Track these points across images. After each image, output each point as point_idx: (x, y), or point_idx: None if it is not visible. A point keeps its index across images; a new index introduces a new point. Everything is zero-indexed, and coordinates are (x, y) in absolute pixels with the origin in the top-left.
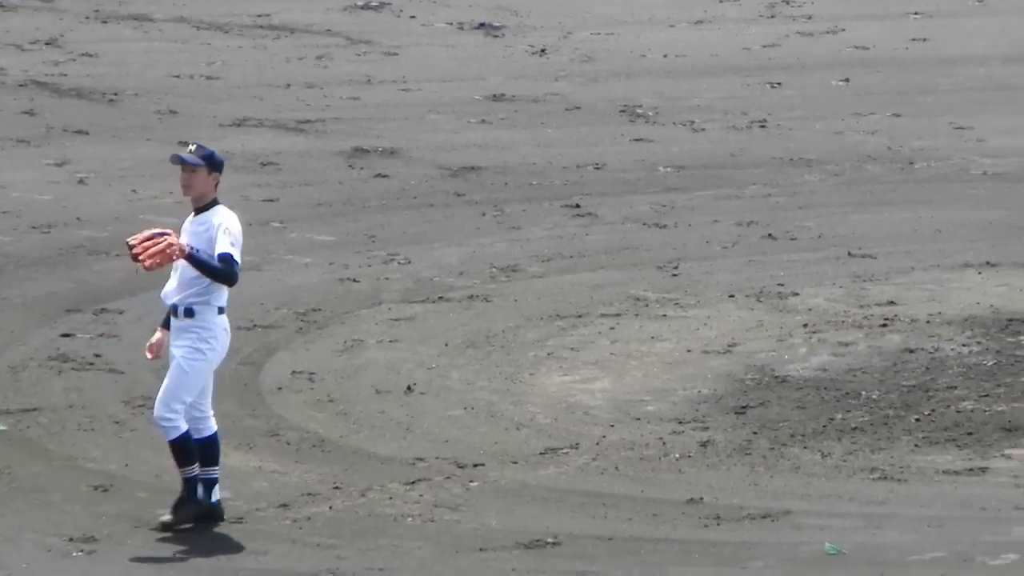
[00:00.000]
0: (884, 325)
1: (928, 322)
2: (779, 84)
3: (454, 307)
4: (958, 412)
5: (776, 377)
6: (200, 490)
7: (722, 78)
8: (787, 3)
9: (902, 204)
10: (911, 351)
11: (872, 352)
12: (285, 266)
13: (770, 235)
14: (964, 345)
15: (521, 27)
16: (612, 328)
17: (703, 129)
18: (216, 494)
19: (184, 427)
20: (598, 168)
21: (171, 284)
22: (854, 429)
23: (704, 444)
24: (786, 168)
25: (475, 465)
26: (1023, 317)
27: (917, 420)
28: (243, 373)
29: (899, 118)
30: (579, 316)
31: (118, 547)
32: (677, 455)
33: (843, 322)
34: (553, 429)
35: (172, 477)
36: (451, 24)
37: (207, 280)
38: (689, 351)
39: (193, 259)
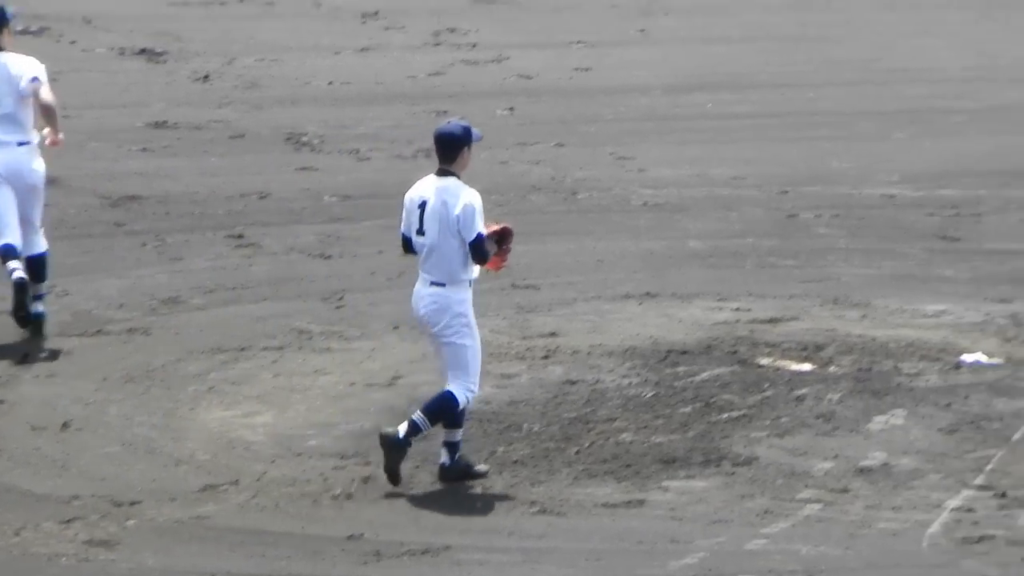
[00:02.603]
0: (546, 357)
1: (589, 353)
2: (445, 112)
3: (113, 340)
4: (617, 444)
5: None
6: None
7: (388, 106)
8: (452, 31)
9: (565, 235)
10: (572, 383)
11: (534, 384)
12: None
13: None
14: (624, 376)
15: (184, 53)
16: (275, 361)
17: (369, 158)
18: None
19: None
20: (262, 197)
21: None
22: (515, 462)
23: (366, 479)
24: None
25: (132, 503)
26: (681, 348)
27: (577, 453)
28: None
29: (563, 148)
30: (241, 349)
31: None
32: (339, 491)
33: (506, 354)
34: (213, 465)
35: None
36: (112, 50)
37: None
38: (353, 384)
39: None
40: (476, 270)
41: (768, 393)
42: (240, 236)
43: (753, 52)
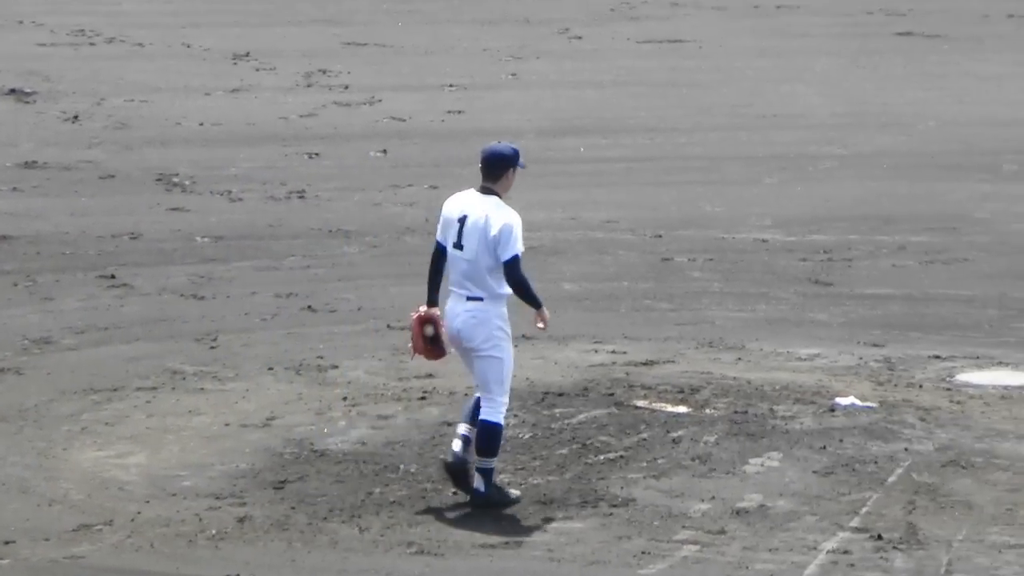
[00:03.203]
0: (423, 398)
1: (466, 395)
2: (317, 154)
3: None
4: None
5: (315, 451)
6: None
7: (260, 147)
8: (324, 73)
9: None
10: (449, 424)
11: (411, 425)
12: None
13: (310, 307)
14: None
15: (53, 93)
16: (148, 402)
17: (241, 199)
18: (475, 482)
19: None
20: (134, 238)
21: None
22: (392, 503)
23: (241, 520)
24: (325, 239)
25: (6, 542)
26: (558, 390)
27: (454, 493)
28: None
29: (436, 190)
30: (114, 389)
31: None
32: (214, 531)
33: (382, 395)
34: (87, 505)
35: None
36: None
37: None
38: (227, 425)
39: None
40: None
41: (644, 435)
42: (112, 276)
43: (625, 97)
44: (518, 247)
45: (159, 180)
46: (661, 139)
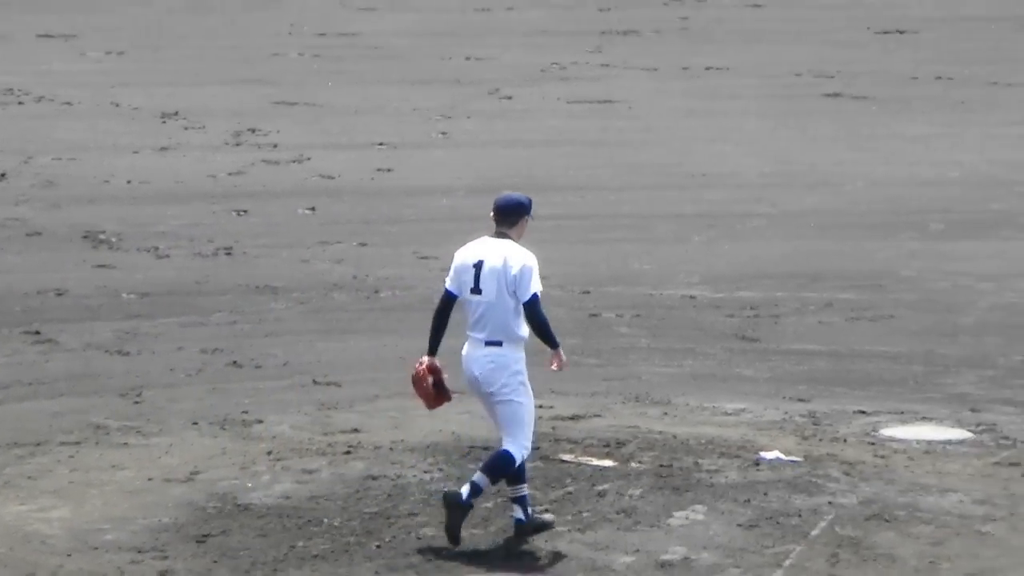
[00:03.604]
0: (348, 452)
1: (391, 449)
2: (245, 212)
3: None
4: (419, 539)
5: (238, 505)
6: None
7: (187, 205)
8: (253, 132)
9: (368, 332)
10: (374, 478)
11: (335, 479)
12: None
13: (235, 362)
14: (426, 472)
15: None
16: (72, 456)
17: (168, 256)
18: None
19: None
20: (59, 294)
21: None
22: (315, 556)
23: (164, 573)
24: (252, 295)
25: None
26: (483, 444)
27: (378, 547)
28: None
29: (365, 247)
30: (38, 444)
31: None
32: None
33: (307, 449)
34: (9, 559)
35: None
36: None
37: None
38: (150, 479)
39: None
40: (526, 329)
41: (570, 488)
42: (37, 332)
43: (555, 156)
44: (538, 286)
45: (86, 237)
46: (591, 197)
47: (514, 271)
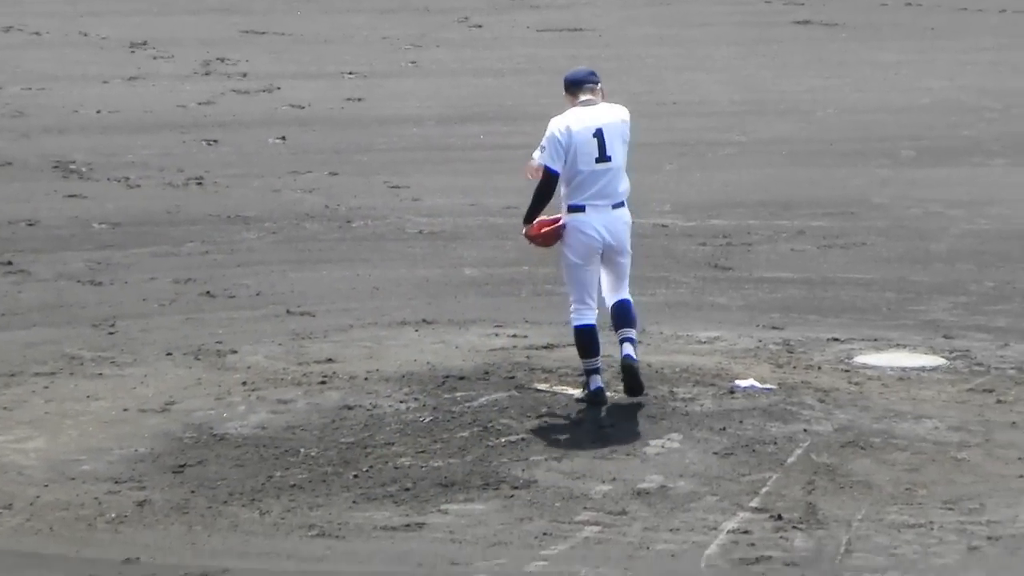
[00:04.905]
0: (323, 382)
1: (366, 379)
2: (215, 141)
3: None
4: (396, 468)
5: (215, 435)
6: (593, 381)
7: (157, 135)
8: (222, 61)
9: (340, 262)
10: (350, 408)
11: (311, 409)
12: None
13: (208, 292)
14: (402, 402)
15: None
16: (46, 387)
17: (139, 186)
18: (627, 349)
19: (579, 321)
20: (31, 224)
21: None
22: (292, 486)
23: (141, 504)
24: (223, 225)
25: None
26: (459, 374)
27: (355, 477)
28: None
29: (336, 176)
30: (12, 375)
31: None
32: (113, 515)
33: (282, 380)
34: None
35: None
36: None
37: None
38: (126, 410)
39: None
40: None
41: (545, 418)
42: (8, 263)
43: (524, 85)
44: None
45: (56, 167)
46: None
47: (628, 129)
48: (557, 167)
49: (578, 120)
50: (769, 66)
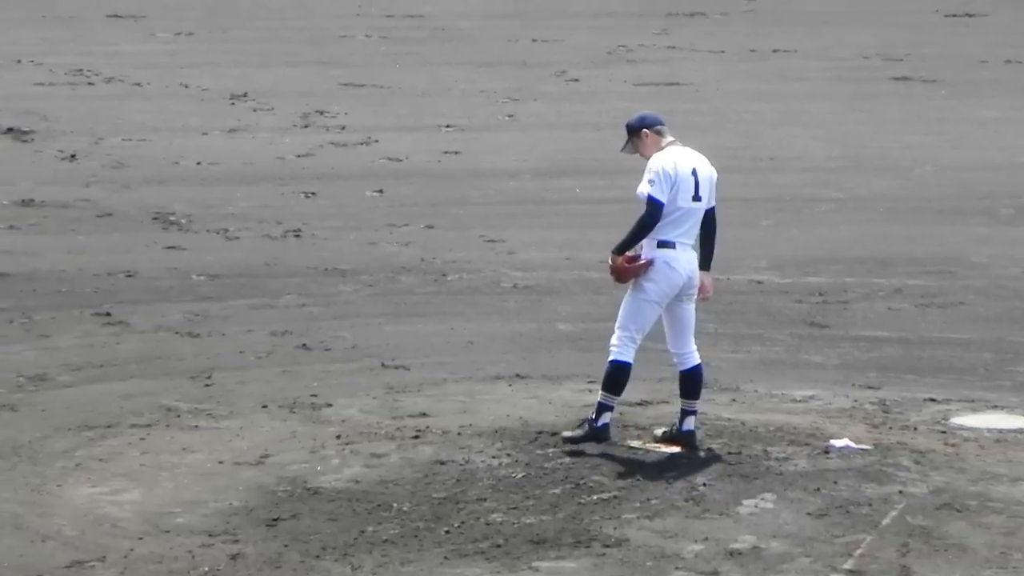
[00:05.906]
0: (416, 437)
1: (459, 434)
2: (314, 194)
3: None
4: (487, 524)
5: (308, 489)
6: (604, 418)
7: (256, 186)
8: (321, 114)
9: (435, 316)
10: (442, 463)
11: (404, 464)
12: None
13: (304, 345)
14: (494, 457)
15: (51, 132)
16: (142, 439)
17: (237, 238)
18: (689, 424)
19: (621, 356)
20: (130, 276)
21: None
22: (385, 541)
23: (234, 557)
24: (320, 278)
25: None
26: (552, 429)
27: (447, 532)
28: None
29: (432, 230)
30: (108, 426)
31: None
32: (206, 568)
33: (376, 433)
34: (80, 541)
35: None
36: None
37: None
38: (221, 462)
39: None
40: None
41: (638, 475)
42: (107, 314)
43: (621, 139)
44: None
45: (156, 219)
46: None
47: (715, 177)
48: (664, 199)
49: (681, 157)
50: (867, 122)
